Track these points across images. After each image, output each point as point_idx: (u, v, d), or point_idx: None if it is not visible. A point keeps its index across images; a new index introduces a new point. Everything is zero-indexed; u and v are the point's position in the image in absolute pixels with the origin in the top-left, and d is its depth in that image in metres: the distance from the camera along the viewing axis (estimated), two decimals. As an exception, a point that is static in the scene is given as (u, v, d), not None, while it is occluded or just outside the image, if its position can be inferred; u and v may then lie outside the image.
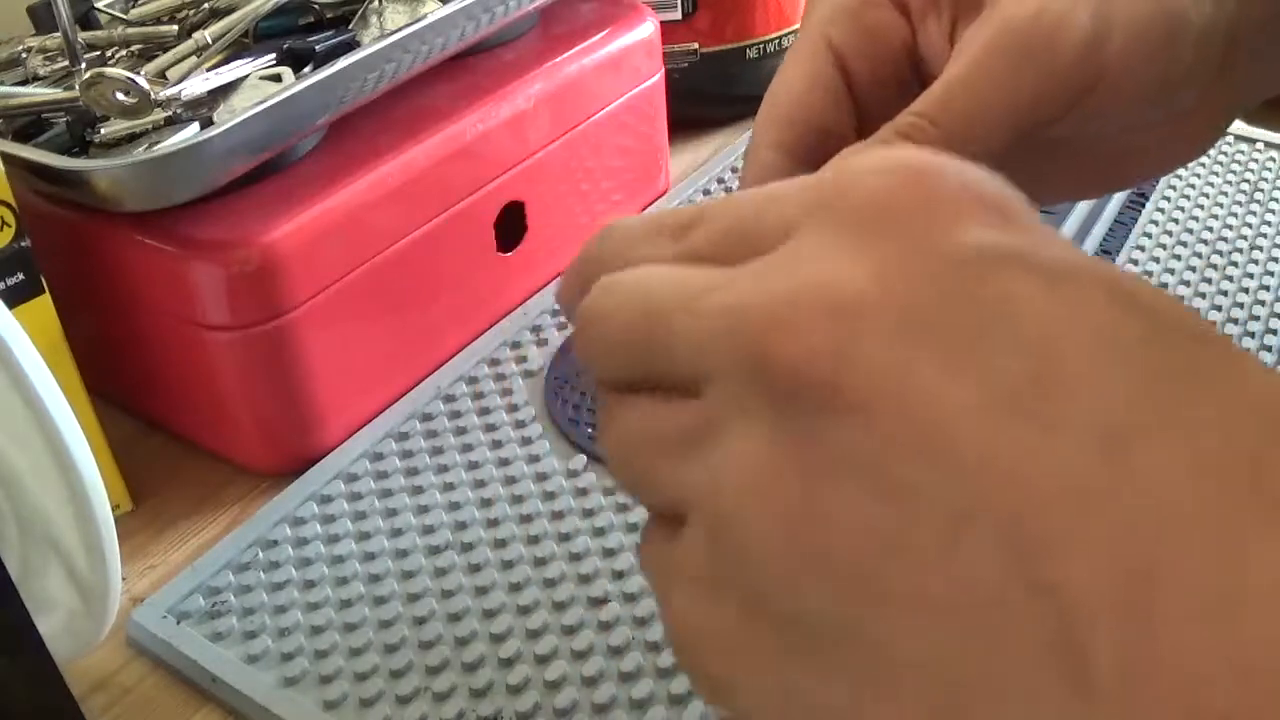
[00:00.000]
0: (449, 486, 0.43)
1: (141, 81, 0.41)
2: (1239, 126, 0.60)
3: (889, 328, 0.18)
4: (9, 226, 0.38)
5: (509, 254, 0.51)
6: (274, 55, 0.45)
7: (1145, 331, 0.17)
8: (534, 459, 0.44)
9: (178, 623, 0.38)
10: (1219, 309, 0.48)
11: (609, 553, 0.40)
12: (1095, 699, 0.15)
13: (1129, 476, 0.16)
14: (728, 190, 0.59)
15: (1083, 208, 0.55)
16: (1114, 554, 0.15)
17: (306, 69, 0.45)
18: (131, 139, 0.42)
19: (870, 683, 0.17)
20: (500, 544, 0.40)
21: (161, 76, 0.44)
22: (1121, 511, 0.16)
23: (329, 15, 0.48)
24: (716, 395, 0.19)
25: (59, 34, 0.45)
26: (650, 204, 0.58)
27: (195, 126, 0.42)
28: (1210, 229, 0.53)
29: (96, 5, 0.49)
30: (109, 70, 0.42)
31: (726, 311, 0.19)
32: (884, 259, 0.18)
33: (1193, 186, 0.57)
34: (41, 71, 0.48)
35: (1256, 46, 0.30)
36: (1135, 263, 0.52)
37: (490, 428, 0.45)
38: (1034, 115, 0.28)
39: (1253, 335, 0.47)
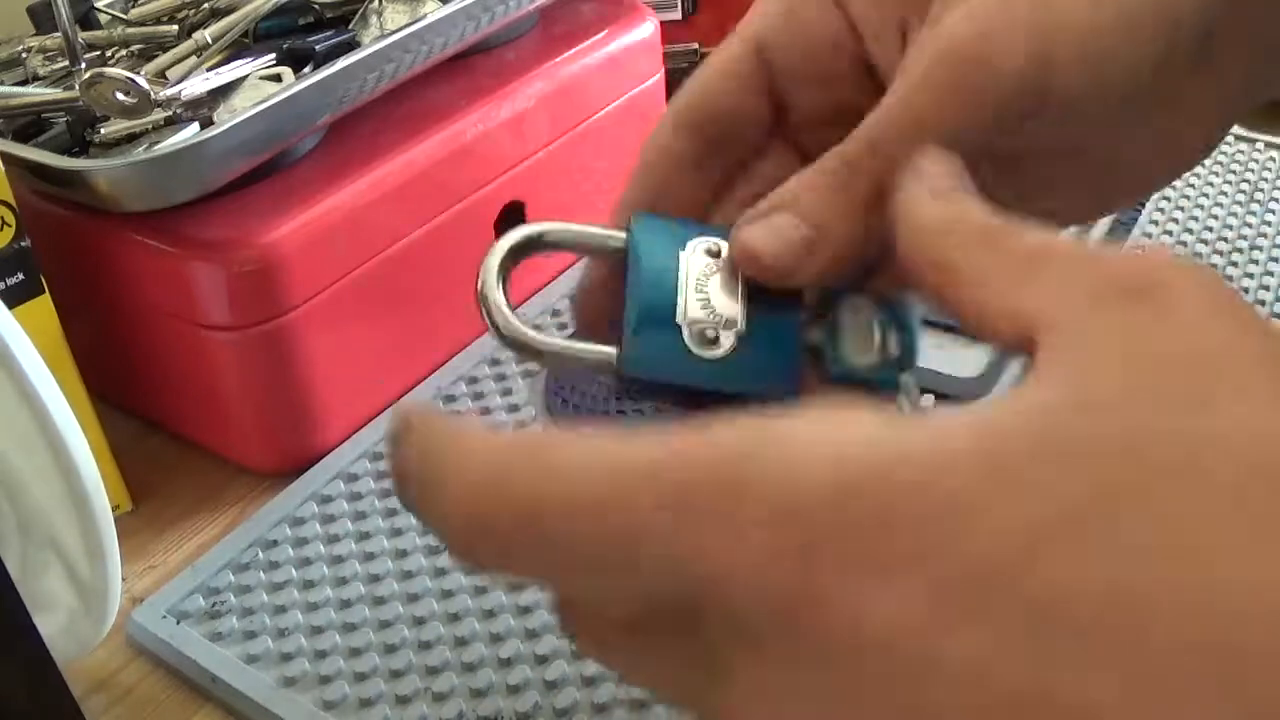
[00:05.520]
0: (449, 486, 0.43)
1: (141, 81, 0.41)
2: (1239, 127, 0.60)
3: None
4: (9, 226, 0.38)
5: (509, 254, 0.51)
6: (274, 55, 0.45)
7: None
8: (534, 459, 0.44)
9: (178, 623, 0.38)
10: (1219, 309, 0.48)
11: (609, 553, 0.40)
12: None
13: None
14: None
15: (1083, 208, 0.55)
16: None
17: (306, 69, 0.45)
18: (131, 139, 0.42)
19: None
20: (500, 544, 0.40)
21: (161, 76, 0.44)
22: None
23: (329, 15, 0.48)
24: None
25: (59, 34, 0.45)
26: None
27: (195, 126, 0.42)
28: (1210, 229, 0.53)
29: (96, 5, 0.49)
30: (109, 70, 0.42)
31: None
32: None
33: (1193, 186, 0.57)
34: (41, 71, 0.48)
35: (1243, 42, 0.30)
36: (1135, 263, 0.51)
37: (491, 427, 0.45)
38: (982, 133, 0.27)
39: (1253, 335, 0.47)
